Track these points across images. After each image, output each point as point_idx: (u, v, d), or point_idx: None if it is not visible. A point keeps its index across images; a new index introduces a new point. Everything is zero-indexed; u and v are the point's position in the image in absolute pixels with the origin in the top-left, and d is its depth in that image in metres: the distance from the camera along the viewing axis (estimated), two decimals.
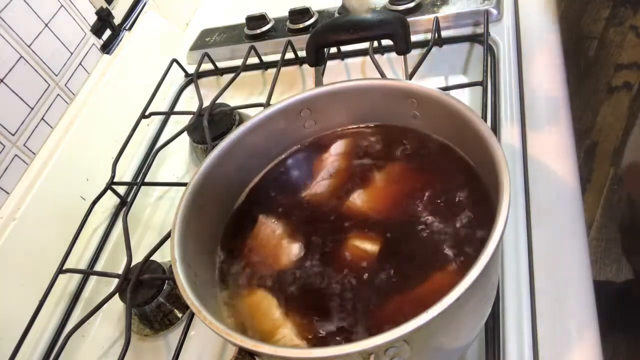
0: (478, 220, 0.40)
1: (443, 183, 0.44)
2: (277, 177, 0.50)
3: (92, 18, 0.75)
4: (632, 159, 0.95)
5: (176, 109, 0.81)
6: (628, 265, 1.37)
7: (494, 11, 0.70)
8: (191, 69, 0.83)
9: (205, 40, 0.86)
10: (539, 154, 0.55)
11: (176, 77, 0.85)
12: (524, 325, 0.44)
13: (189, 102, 0.83)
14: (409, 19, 0.50)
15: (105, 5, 0.77)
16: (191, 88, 0.84)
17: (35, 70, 0.65)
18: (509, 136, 0.57)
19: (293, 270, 0.42)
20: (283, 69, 0.75)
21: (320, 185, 0.48)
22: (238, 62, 0.78)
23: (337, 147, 0.50)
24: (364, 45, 0.72)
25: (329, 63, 0.75)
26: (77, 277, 0.64)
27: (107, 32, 0.77)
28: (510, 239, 0.49)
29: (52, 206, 0.64)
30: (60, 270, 0.61)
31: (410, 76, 0.63)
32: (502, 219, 0.33)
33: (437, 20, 0.69)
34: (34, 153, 0.65)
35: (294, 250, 0.44)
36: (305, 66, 0.78)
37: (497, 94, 0.62)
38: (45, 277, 0.60)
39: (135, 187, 0.68)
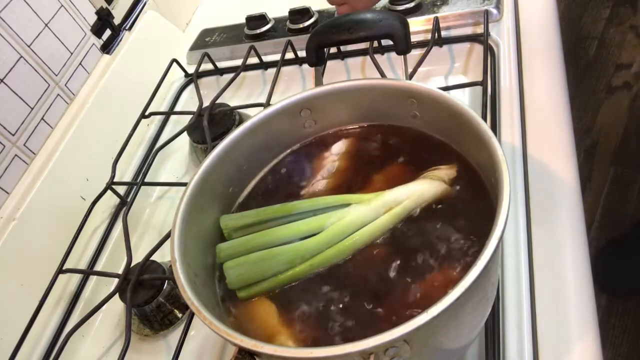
0: (478, 220, 0.40)
1: None
2: (277, 176, 0.50)
3: (92, 18, 0.75)
4: None
5: (176, 108, 0.82)
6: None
7: (494, 11, 0.70)
8: (191, 69, 0.83)
9: (205, 40, 0.86)
10: (539, 154, 0.55)
11: (176, 77, 0.85)
12: (524, 325, 0.44)
13: (189, 102, 0.83)
14: (409, 19, 0.50)
15: (105, 5, 0.77)
16: (191, 88, 0.84)
17: (35, 70, 0.65)
18: (509, 136, 0.57)
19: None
20: (283, 69, 0.75)
21: (320, 184, 0.48)
22: (238, 62, 0.78)
23: (337, 147, 0.50)
24: (364, 45, 0.72)
25: (329, 63, 0.75)
26: (77, 277, 0.64)
27: (107, 32, 0.77)
28: (510, 239, 0.49)
29: (52, 206, 0.64)
30: (60, 270, 0.61)
31: (410, 76, 0.63)
32: (502, 219, 0.33)
33: (437, 20, 0.69)
34: (34, 153, 0.65)
35: None
36: (305, 66, 0.78)
37: (497, 94, 0.62)
38: (45, 277, 0.60)
39: (135, 187, 0.68)
